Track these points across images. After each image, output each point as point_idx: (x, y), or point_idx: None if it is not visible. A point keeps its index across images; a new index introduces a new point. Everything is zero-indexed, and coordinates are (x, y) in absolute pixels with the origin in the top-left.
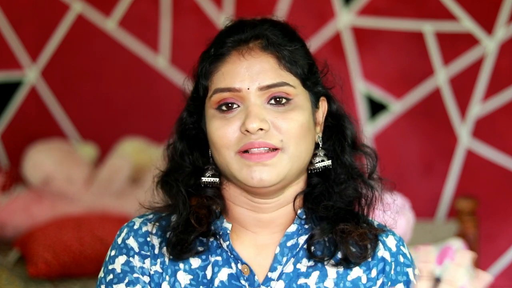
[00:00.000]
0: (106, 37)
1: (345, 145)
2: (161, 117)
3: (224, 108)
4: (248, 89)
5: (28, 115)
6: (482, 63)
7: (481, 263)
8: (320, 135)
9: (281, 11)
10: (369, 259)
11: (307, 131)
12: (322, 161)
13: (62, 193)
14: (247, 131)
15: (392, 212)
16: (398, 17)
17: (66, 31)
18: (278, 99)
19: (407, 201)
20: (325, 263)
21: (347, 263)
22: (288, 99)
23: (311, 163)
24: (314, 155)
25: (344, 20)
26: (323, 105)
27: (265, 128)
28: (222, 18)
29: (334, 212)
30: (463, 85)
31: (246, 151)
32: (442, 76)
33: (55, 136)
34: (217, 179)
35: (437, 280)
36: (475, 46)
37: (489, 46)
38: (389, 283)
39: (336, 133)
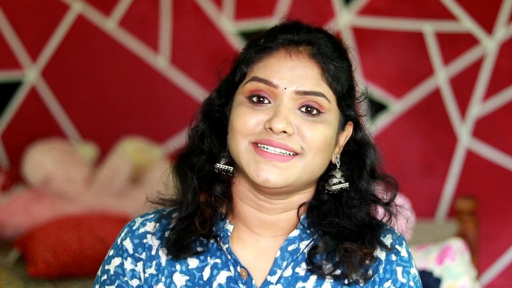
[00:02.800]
0: (106, 37)
1: (363, 172)
2: (161, 117)
3: (255, 99)
4: (285, 88)
5: (28, 115)
6: (482, 63)
7: (481, 263)
8: (338, 156)
9: (281, 11)
10: (371, 279)
11: (328, 147)
12: (340, 182)
13: (62, 193)
14: (271, 129)
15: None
16: (398, 17)
17: (66, 31)
18: (309, 109)
19: (407, 201)
20: (326, 278)
21: (346, 277)
22: (319, 112)
23: (327, 182)
24: (331, 176)
25: (344, 20)
26: (348, 129)
27: (289, 132)
28: (222, 18)
29: (337, 229)
30: (463, 85)
31: (260, 146)
32: (442, 76)
33: (55, 136)
34: (231, 168)
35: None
36: (475, 46)
37: (489, 46)
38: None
39: (357, 160)
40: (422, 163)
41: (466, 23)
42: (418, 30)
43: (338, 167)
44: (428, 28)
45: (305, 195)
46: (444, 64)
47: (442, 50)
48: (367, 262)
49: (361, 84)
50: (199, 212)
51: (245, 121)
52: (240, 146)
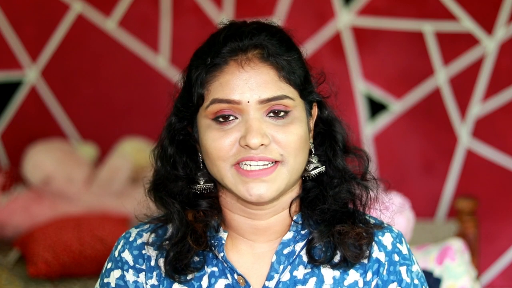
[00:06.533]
0: (106, 37)
1: (336, 149)
2: (161, 117)
3: (221, 119)
4: (248, 102)
5: (28, 115)
6: (482, 63)
7: (481, 263)
8: (312, 141)
9: (281, 11)
10: (366, 259)
11: (304, 142)
12: (316, 167)
13: (62, 193)
14: (248, 146)
15: (389, 211)
16: (398, 17)
17: (66, 31)
18: (276, 112)
19: (407, 201)
20: (324, 266)
21: (346, 264)
22: (286, 112)
23: (305, 170)
24: (308, 162)
25: (344, 20)
26: (314, 110)
27: (266, 143)
28: (222, 18)
29: (330, 215)
30: (463, 85)
31: (242, 165)
32: (442, 76)
33: (55, 136)
34: (211, 185)
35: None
36: (475, 46)
37: (489, 46)
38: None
39: (328, 139)
40: (422, 163)
41: (466, 23)
42: (418, 30)
43: (313, 152)
44: (428, 28)
45: (294, 191)
46: (444, 64)
47: (442, 50)
48: (363, 241)
49: (320, 58)
50: (190, 230)
51: (219, 146)
52: (223, 170)
